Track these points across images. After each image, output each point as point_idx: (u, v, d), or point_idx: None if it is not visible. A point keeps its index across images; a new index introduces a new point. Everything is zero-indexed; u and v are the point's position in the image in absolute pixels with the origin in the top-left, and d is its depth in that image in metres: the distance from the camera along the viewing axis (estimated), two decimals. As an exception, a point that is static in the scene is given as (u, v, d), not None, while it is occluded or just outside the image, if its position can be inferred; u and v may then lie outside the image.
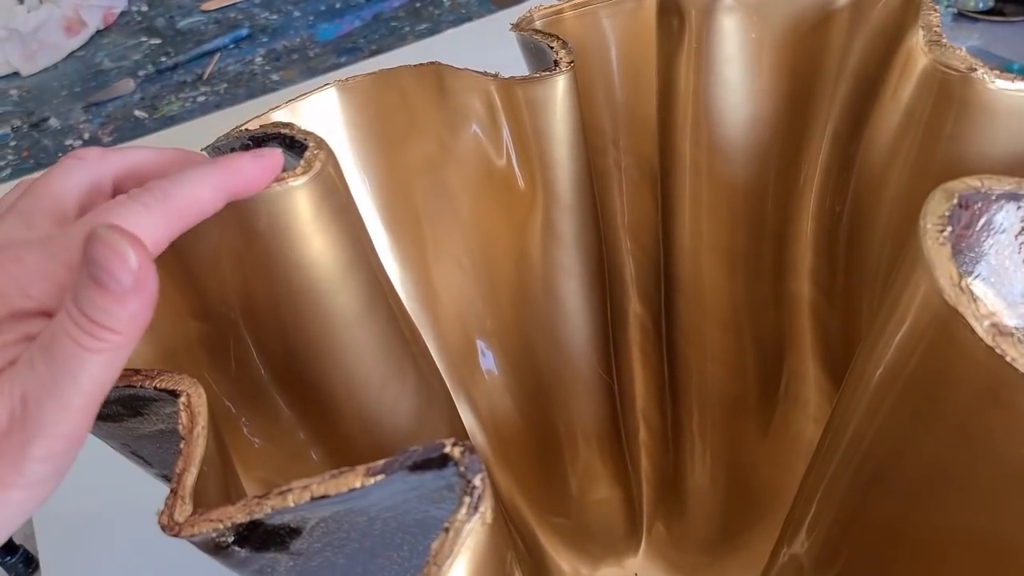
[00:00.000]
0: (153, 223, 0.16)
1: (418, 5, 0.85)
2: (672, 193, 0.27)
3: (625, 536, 0.33)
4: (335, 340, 0.21)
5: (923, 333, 0.17)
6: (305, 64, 0.80)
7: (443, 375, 0.30)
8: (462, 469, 0.15)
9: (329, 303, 0.20)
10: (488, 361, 0.31)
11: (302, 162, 0.19)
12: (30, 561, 0.38)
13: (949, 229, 0.17)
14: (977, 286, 0.19)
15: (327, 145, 0.20)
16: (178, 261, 0.21)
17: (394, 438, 0.23)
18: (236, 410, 0.24)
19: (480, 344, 0.31)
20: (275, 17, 0.90)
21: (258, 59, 0.82)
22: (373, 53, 0.78)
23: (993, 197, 0.18)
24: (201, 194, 0.17)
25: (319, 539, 0.17)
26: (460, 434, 0.28)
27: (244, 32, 0.87)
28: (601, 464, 0.33)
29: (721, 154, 0.25)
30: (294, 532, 0.17)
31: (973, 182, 0.17)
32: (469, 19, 0.77)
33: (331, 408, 0.23)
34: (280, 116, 0.25)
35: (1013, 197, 0.18)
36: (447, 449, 0.15)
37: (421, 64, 0.26)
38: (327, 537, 0.17)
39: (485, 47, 0.27)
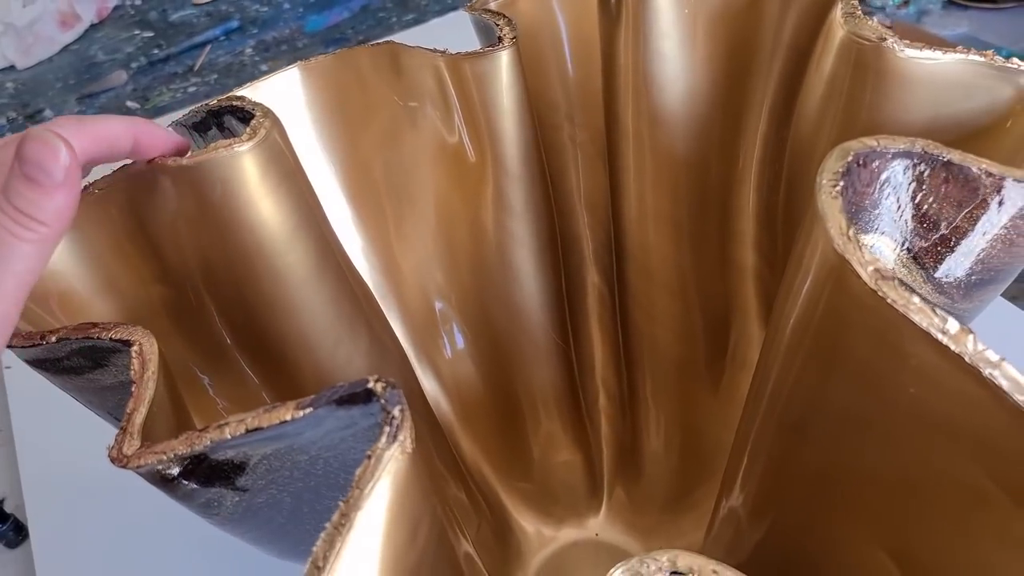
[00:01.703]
0: (74, 137, 0.18)
1: (405, -5, 0.86)
2: (619, 165, 0.28)
3: (587, 498, 0.35)
4: (288, 299, 0.23)
5: (823, 284, 0.18)
6: (293, 55, 0.81)
7: (406, 344, 0.32)
8: (383, 402, 0.16)
9: (280, 263, 0.22)
10: (450, 330, 0.32)
11: (248, 129, 0.20)
12: (20, 529, 0.40)
13: (842, 184, 0.18)
14: (881, 240, 0.21)
15: (273, 115, 0.21)
16: (140, 229, 0.23)
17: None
18: (201, 372, 0.25)
19: (442, 314, 0.32)
20: (265, 9, 0.91)
21: (248, 50, 0.84)
22: (360, 43, 0.79)
23: (889, 155, 0.19)
24: (113, 127, 0.19)
25: (263, 476, 0.19)
26: (415, 392, 0.29)
27: (235, 24, 0.88)
28: (562, 430, 0.34)
29: (662, 126, 0.26)
30: (238, 468, 0.18)
31: (869, 141, 0.19)
32: (455, 8, 0.78)
33: (290, 367, 0.25)
34: (245, 95, 0.27)
35: (907, 155, 0.19)
36: (371, 384, 0.16)
37: (377, 43, 0.27)
38: (271, 475, 0.19)
39: (471, 35, 0.28)
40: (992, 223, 0.20)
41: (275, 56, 0.81)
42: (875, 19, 0.22)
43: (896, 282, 0.17)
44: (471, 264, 0.30)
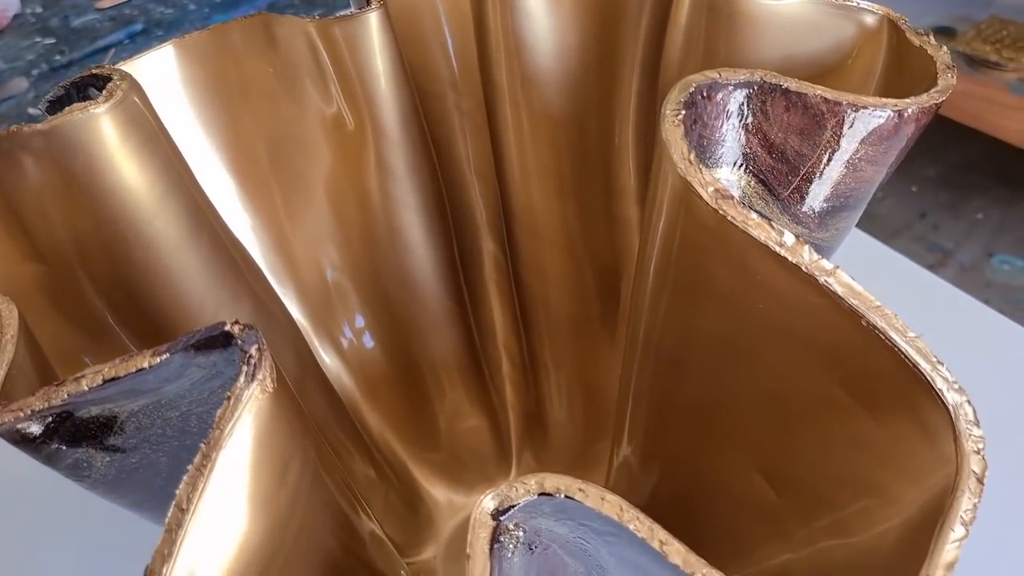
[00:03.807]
0: None
1: (311, -8, 0.86)
2: (498, 126, 0.28)
3: (496, 463, 0.35)
4: (163, 267, 0.23)
5: (675, 213, 0.19)
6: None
7: (305, 321, 0.32)
8: (239, 342, 0.16)
9: (150, 229, 0.22)
10: (347, 304, 0.32)
11: (104, 92, 0.20)
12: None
13: (684, 113, 0.19)
14: (735, 174, 0.22)
15: (132, 78, 0.21)
16: (6, 206, 0.22)
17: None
18: (83, 352, 0.25)
19: (338, 288, 0.32)
20: (170, 11, 0.90)
21: (153, 53, 0.82)
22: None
23: (731, 87, 0.20)
24: None
25: (134, 435, 0.19)
26: (308, 364, 0.29)
27: (139, 27, 0.87)
28: (467, 398, 0.35)
29: (535, 85, 0.27)
30: (105, 427, 0.18)
31: (711, 74, 0.19)
32: (362, 3, 0.78)
33: (171, 338, 0.24)
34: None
35: (747, 85, 0.20)
36: (227, 327, 0.16)
37: (249, 16, 0.27)
38: (142, 433, 0.19)
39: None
40: (836, 150, 0.21)
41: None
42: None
43: (735, 200, 0.17)
44: (362, 235, 0.30)
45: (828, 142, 0.20)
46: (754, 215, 0.17)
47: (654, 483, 0.28)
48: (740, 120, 0.20)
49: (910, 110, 0.20)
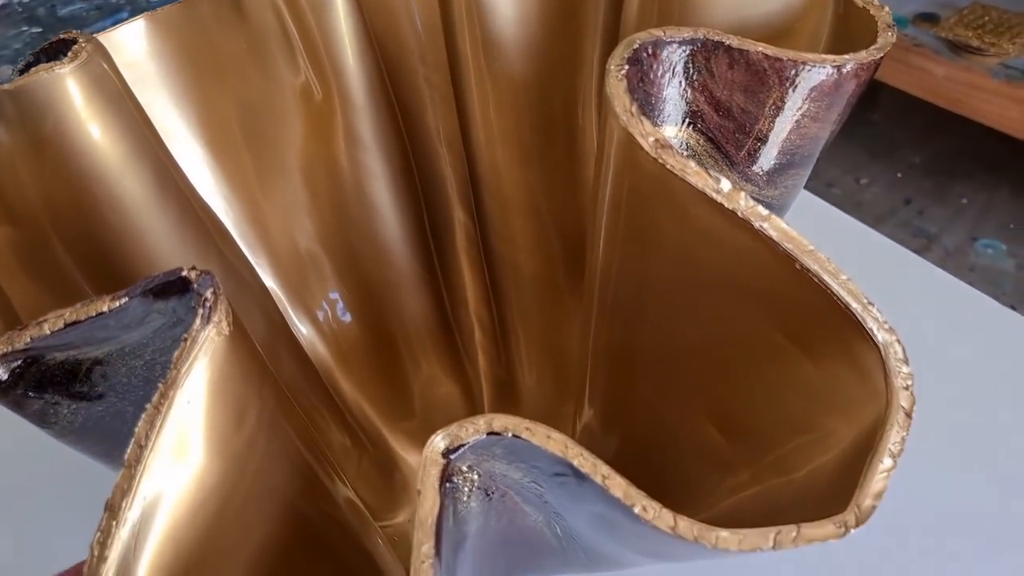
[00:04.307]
0: None
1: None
2: (463, 94, 0.29)
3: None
4: (131, 226, 0.23)
5: (621, 166, 0.20)
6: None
7: (279, 291, 0.32)
8: (196, 286, 0.17)
9: (118, 188, 0.22)
10: (321, 274, 0.33)
11: (69, 54, 0.21)
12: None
13: (627, 68, 0.19)
14: (685, 132, 0.22)
15: (97, 41, 0.21)
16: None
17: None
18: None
19: (311, 258, 0.33)
20: (156, -1, 0.90)
21: (138, 40, 0.83)
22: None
23: (675, 44, 0.20)
24: None
25: (99, 383, 0.19)
26: (279, 328, 0.30)
27: (125, 15, 0.87)
28: (440, 366, 0.35)
29: (497, 49, 0.27)
30: (70, 374, 0.19)
31: (656, 31, 0.20)
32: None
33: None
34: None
35: (691, 42, 0.20)
36: (185, 272, 0.17)
37: (218, -14, 0.28)
38: (107, 381, 0.19)
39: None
40: (780, 107, 0.21)
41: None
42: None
43: (674, 149, 0.18)
44: (332, 204, 0.31)
45: (772, 99, 0.21)
46: (692, 164, 0.18)
47: (616, 444, 0.28)
48: (685, 77, 0.21)
49: (849, 66, 0.21)
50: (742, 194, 0.18)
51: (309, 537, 0.22)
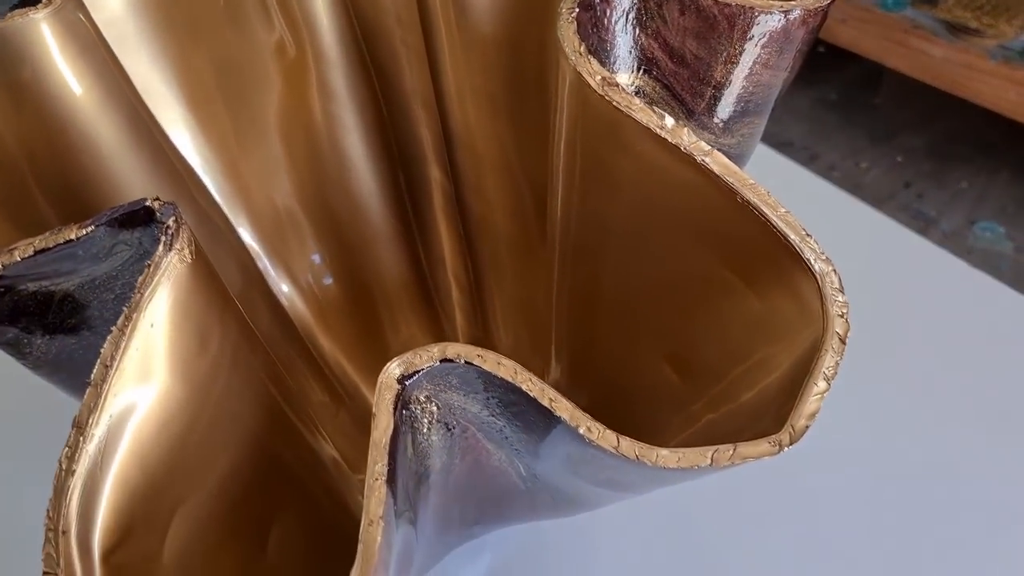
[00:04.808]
0: None
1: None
2: (435, 49, 0.30)
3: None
4: (107, 172, 0.24)
5: (573, 107, 0.21)
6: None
7: (259, 248, 0.33)
8: (158, 215, 0.18)
9: (93, 133, 0.23)
10: (299, 230, 0.34)
11: (43, 1, 0.21)
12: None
13: (578, 11, 0.20)
14: (642, 79, 0.23)
15: (70, -11, 0.22)
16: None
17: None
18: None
19: (289, 215, 0.33)
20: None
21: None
22: None
23: (626, -11, 0.21)
24: None
25: (72, 315, 0.20)
26: (255, 277, 0.30)
27: None
28: (418, 325, 0.36)
29: (466, 6, 0.28)
30: (43, 305, 0.19)
31: (608, -23, 0.21)
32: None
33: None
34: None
35: (642, -12, 0.21)
36: (148, 202, 0.18)
37: (194, -56, 0.28)
38: (80, 314, 0.20)
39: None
40: (730, 53, 0.22)
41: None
42: None
43: (620, 87, 0.19)
44: (308, 160, 0.32)
45: (723, 46, 0.22)
46: (637, 100, 0.19)
47: (585, 400, 0.29)
48: (639, 23, 0.22)
49: (796, 13, 0.21)
50: (685, 130, 0.19)
51: (275, 472, 0.23)
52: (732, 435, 0.20)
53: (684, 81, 0.23)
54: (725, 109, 0.23)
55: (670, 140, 0.18)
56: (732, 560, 0.33)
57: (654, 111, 0.19)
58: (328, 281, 0.35)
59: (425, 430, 0.20)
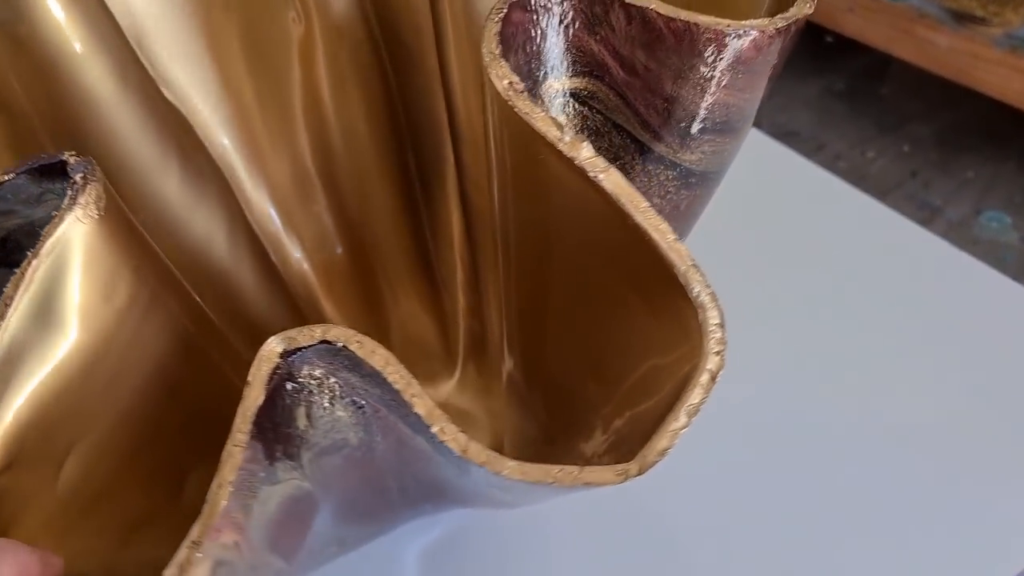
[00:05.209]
0: None
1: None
2: (443, 44, 0.30)
3: (442, 368, 0.37)
4: (96, 119, 0.26)
5: (495, 112, 0.20)
6: None
7: (275, 213, 0.34)
8: (70, 169, 0.19)
9: (85, 81, 0.25)
10: (314, 197, 0.35)
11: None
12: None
13: (505, 11, 0.20)
14: (594, 84, 0.23)
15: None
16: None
17: (165, 219, 0.28)
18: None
19: (304, 182, 0.35)
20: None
21: None
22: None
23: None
24: None
25: (13, 252, 0.22)
26: (242, 229, 0.32)
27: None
28: (418, 300, 0.37)
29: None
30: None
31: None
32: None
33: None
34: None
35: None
36: (64, 156, 0.19)
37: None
38: (21, 252, 0.22)
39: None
40: (681, 68, 0.21)
41: None
42: None
43: (524, 94, 0.19)
44: (318, 131, 0.33)
45: (671, 60, 0.21)
46: (539, 111, 0.18)
47: (540, 400, 0.29)
48: (587, 28, 0.21)
49: (751, 35, 0.20)
50: (585, 144, 0.18)
51: (198, 420, 0.24)
52: (638, 443, 0.20)
53: (637, 91, 0.22)
54: (680, 124, 0.23)
55: (566, 153, 0.18)
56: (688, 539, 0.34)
57: (555, 122, 0.18)
58: (339, 251, 0.36)
59: (327, 404, 0.21)
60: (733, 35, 0.20)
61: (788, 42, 0.21)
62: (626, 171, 0.24)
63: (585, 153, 0.18)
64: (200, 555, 0.17)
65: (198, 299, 0.24)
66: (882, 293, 0.43)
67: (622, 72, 0.22)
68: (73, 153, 0.19)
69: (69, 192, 0.19)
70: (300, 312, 0.35)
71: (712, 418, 0.36)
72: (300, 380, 0.20)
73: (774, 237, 0.46)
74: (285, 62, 0.32)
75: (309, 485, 0.22)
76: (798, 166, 0.50)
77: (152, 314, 0.21)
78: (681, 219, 0.26)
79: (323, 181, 0.34)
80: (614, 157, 0.24)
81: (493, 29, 0.19)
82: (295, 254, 0.35)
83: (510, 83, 0.19)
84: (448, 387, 0.37)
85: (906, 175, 0.95)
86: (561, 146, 0.18)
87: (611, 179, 0.18)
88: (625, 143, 0.24)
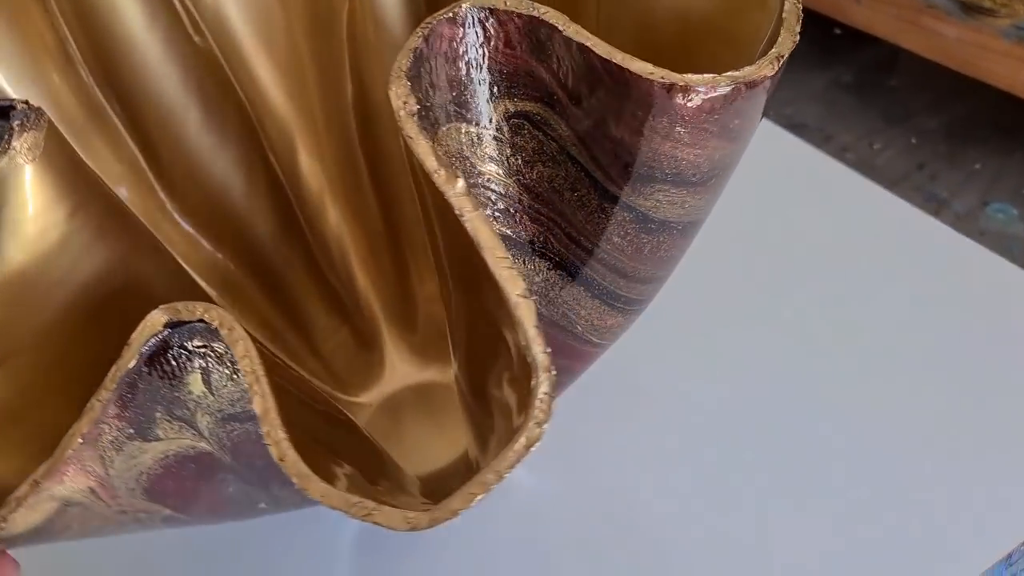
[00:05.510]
0: None
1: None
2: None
3: (368, 367, 0.38)
4: (144, 72, 0.28)
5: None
6: None
7: (324, 180, 0.36)
8: (12, 115, 0.20)
9: (139, 40, 0.27)
10: (359, 172, 0.36)
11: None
12: None
13: (431, 25, 0.19)
14: (539, 108, 0.21)
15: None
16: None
17: (185, 158, 0.30)
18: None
19: (350, 153, 0.36)
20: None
21: None
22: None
23: (500, 15, 0.19)
24: None
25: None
26: (264, 180, 0.33)
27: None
28: (435, 286, 0.37)
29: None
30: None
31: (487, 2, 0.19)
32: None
33: (155, 140, 0.30)
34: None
35: (518, 17, 0.19)
36: (12, 102, 0.21)
37: None
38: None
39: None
40: (621, 115, 0.20)
41: None
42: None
43: (414, 118, 0.18)
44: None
45: (610, 101, 0.20)
46: (424, 141, 0.18)
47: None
48: (535, 53, 0.20)
49: (698, 94, 0.18)
50: (460, 180, 0.18)
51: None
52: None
53: (585, 126, 0.21)
54: (626, 167, 0.21)
55: (438, 184, 0.18)
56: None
57: (434, 152, 0.18)
58: (377, 224, 0.37)
59: (228, 371, 0.21)
60: (665, 88, 0.18)
61: (746, 102, 0.19)
62: (583, 204, 0.23)
63: (457, 188, 0.18)
64: (40, 493, 0.18)
65: (168, 249, 0.26)
66: (891, 281, 0.43)
67: (570, 103, 0.21)
68: (25, 101, 0.20)
69: (6, 136, 0.20)
70: (320, 269, 0.36)
71: (724, 401, 0.38)
72: (190, 348, 0.20)
73: (782, 225, 0.46)
74: (339, 36, 0.32)
75: (207, 446, 0.23)
76: (806, 155, 0.50)
77: (91, 254, 0.23)
78: (647, 262, 0.24)
79: (366, 160, 0.35)
80: (571, 188, 0.23)
81: (412, 43, 0.19)
82: (334, 218, 0.36)
83: (404, 103, 0.18)
84: (385, 383, 0.37)
85: (913, 167, 0.95)
86: (435, 176, 0.18)
87: (476, 224, 0.17)
88: (580, 176, 0.22)
